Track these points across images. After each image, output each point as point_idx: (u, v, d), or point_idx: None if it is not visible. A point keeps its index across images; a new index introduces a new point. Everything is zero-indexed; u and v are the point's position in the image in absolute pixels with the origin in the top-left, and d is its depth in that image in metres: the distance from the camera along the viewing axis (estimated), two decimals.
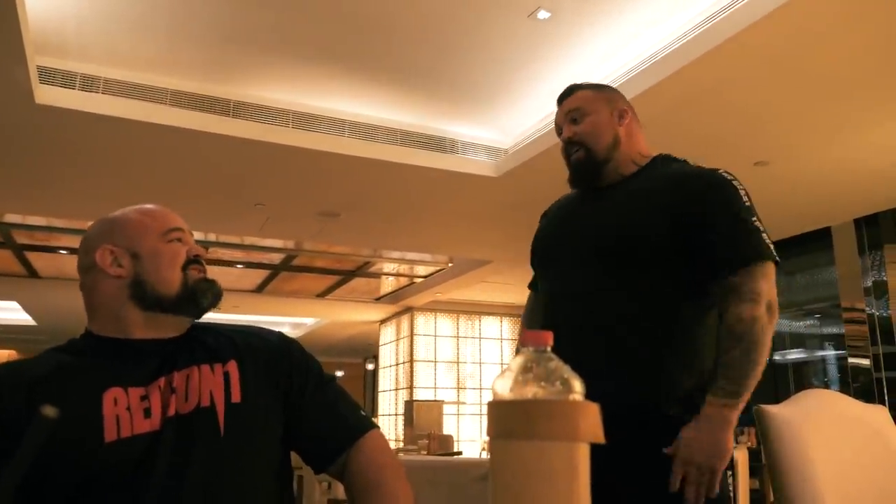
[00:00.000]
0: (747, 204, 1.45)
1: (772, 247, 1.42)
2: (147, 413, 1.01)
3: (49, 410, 0.92)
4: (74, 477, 0.96)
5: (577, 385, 0.63)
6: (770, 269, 1.41)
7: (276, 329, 1.28)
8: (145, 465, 0.98)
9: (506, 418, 0.62)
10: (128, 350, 1.09)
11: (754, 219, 1.44)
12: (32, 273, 8.40)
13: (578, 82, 1.71)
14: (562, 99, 1.67)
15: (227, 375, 1.09)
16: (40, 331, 12.35)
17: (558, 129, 1.66)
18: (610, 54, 3.95)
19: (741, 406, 1.34)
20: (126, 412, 1.00)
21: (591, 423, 0.62)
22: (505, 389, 0.63)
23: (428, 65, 4.11)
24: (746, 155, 4.53)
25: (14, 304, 10.55)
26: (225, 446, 1.03)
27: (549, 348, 0.65)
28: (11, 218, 6.39)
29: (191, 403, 1.04)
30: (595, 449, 0.61)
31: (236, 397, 1.07)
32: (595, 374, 1.42)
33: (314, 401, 1.17)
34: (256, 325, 1.27)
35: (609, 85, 1.73)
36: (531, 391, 0.63)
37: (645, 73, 3.71)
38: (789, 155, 4.58)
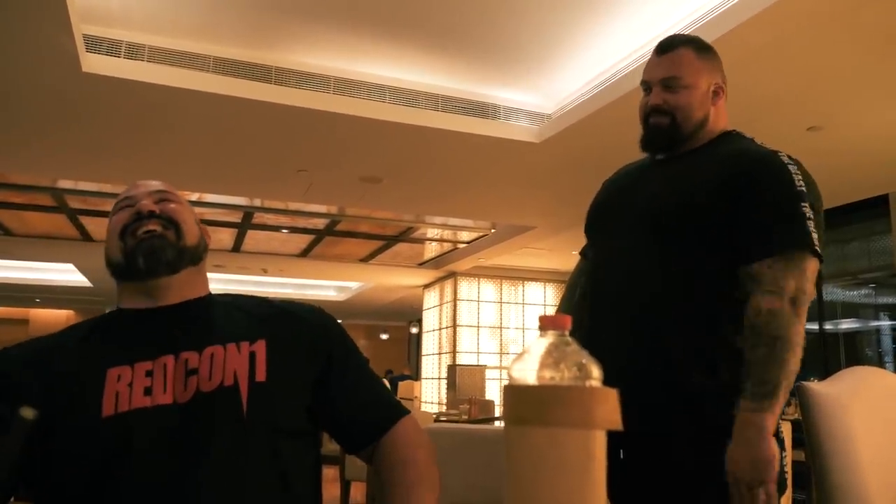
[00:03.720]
0: (800, 189, 1.34)
1: (815, 237, 1.31)
2: (147, 390, 1.02)
3: (27, 412, 0.93)
4: (76, 450, 0.98)
5: (595, 371, 0.60)
6: (805, 261, 1.30)
7: (323, 293, 1.27)
8: (154, 441, 0.99)
9: (520, 404, 0.60)
10: (132, 320, 1.11)
11: (804, 205, 1.32)
12: (86, 236, 8.64)
13: (682, 34, 1.56)
14: (662, 51, 1.53)
15: (252, 355, 1.08)
16: (96, 291, 12.77)
17: (646, 83, 1.54)
18: (659, 15, 3.80)
19: (776, 409, 1.25)
20: (127, 388, 1.01)
21: (608, 409, 0.59)
22: (521, 374, 0.61)
23: (469, 28, 4.03)
24: (800, 119, 4.34)
25: (70, 267, 10.91)
26: (248, 425, 1.03)
27: (566, 332, 0.62)
28: (64, 183, 6.57)
29: (214, 382, 1.04)
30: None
31: (261, 376, 1.06)
32: (630, 349, 1.40)
33: (352, 382, 1.16)
34: (302, 287, 1.26)
35: (711, 46, 1.57)
36: (548, 376, 0.61)
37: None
38: (844, 119, 4.38)
